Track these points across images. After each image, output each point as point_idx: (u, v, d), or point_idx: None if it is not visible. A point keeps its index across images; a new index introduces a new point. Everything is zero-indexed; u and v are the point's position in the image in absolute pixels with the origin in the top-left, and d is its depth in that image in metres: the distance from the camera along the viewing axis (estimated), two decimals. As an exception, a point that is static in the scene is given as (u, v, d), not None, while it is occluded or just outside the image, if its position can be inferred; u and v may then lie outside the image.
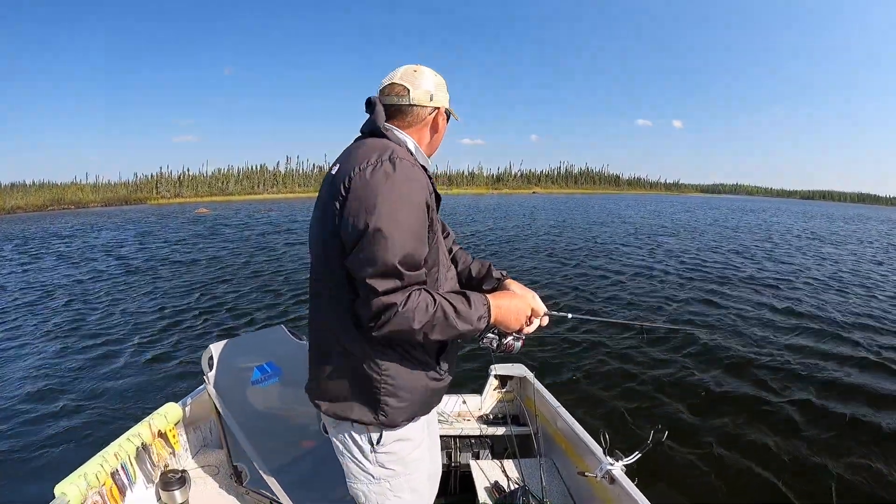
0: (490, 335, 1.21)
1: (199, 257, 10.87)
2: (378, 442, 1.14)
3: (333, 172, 1.08)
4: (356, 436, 1.15)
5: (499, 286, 1.34)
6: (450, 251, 1.38)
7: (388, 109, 1.15)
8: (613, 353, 4.57)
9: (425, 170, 1.11)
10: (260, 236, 15.18)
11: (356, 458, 1.17)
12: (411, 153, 1.12)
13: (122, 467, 1.67)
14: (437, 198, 1.13)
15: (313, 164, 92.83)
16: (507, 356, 1.29)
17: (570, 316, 1.42)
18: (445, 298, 1.03)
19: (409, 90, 1.14)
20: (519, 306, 1.18)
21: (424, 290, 1.01)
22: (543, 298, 1.26)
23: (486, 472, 2.08)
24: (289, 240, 14.01)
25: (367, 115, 1.17)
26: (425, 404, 1.18)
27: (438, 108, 1.18)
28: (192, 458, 2.09)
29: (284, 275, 8.53)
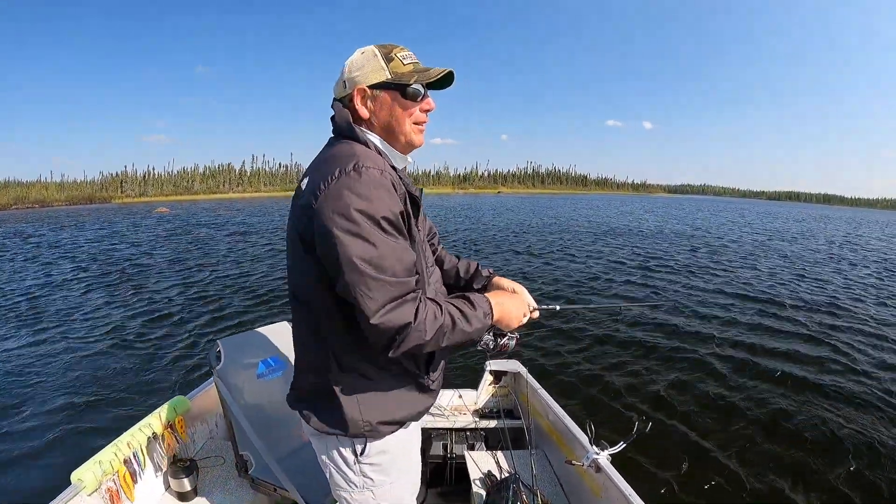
0: (487, 336, 1.19)
1: (178, 257, 10.76)
2: (362, 453, 1.10)
3: (302, 187, 1.00)
4: (339, 447, 1.11)
5: (488, 284, 1.31)
6: (434, 251, 1.33)
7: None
8: (601, 345, 4.89)
9: (395, 169, 1.03)
10: (228, 236, 15.09)
11: (340, 468, 1.13)
12: (379, 151, 1.04)
13: (133, 456, 1.72)
14: (413, 199, 1.04)
15: (279, 163, 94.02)
16: (502, 355, 1.26)
17: (558, 308, 1.43)
18: (450, 303, 1.01)
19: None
20: (518, 304, 1.16)
21: (429, 299, 0.98)
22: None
23: (480, 463, 2.16)
24: (260, 241, 13.91)
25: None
26: (411, 413, 1.13)
27: (352, 91, 1.03)
28: (200, 447, 2.14)
29: (263, 273, 8.52)
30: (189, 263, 9.90)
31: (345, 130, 1.03)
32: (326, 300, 0.99)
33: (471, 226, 19.41)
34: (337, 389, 1.05)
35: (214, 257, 10.72)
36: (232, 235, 15.33)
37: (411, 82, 1.00)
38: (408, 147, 1.08)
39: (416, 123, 1.06)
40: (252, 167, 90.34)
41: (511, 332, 1.21)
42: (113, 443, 1.69)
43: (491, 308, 1.06)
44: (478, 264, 1.37)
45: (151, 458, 1.82)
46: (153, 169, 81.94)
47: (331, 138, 1.08)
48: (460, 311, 1.00)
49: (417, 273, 1.00)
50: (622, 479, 1.62)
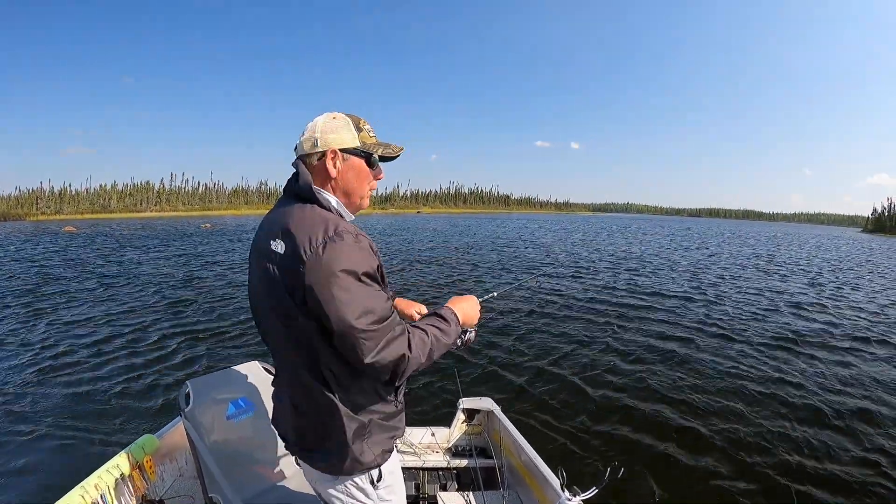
0: None
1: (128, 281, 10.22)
2: (379, 479, 1.20)
3: (276, 248, 1.07)
4: (357, 481, 1.19)
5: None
6: None
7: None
8: (569, 379, 4.73)
9: None
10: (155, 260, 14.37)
11: (361, 502, 1.21)
12: (340, 214, 1.15)
13: (101, 498, 1.72)
14: None
15: (198, 182, 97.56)
16: (470, 349, 1.44)
17: (496, 294, 1.70)
18: (429, 325, 1.16)
19: (298, 144, 1.16)
20: (472, 304, 1.35)
21: (414, 327, 1.12)
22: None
23: None
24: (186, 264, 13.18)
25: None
26: (398, 432, 1.27)
27: (326, 150, 1.13)
28: (169, 486, 2.13)
29: (211, 308, 8.15)
30: (118, 289, 9.43)
31: (306, 193, 1.12)
32: (327, 352, 1.08)
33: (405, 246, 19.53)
34: (348, 430, 1.14)
35: (149, 282, 10.25)
36: (158, 259, 14.72)
37: (377, 153, 1.17)
38: (358, 208, 1.22)
39: (369, 190, 1.21)
40: (171, 185, 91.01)
41: (471, 327, 1.39)
42: (79, 485, 1.69)
43: (457, 316, 1.25)
44: None
45: (119, 501, 1.81)
46: (69, 186, 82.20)
47: (287, 198, 1.16)
48: (439, 328, 1.17)
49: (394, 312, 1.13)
50: None
